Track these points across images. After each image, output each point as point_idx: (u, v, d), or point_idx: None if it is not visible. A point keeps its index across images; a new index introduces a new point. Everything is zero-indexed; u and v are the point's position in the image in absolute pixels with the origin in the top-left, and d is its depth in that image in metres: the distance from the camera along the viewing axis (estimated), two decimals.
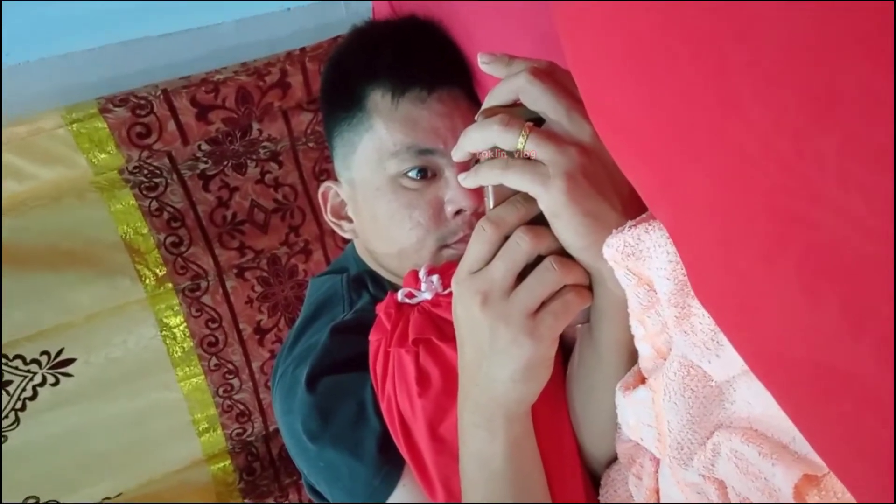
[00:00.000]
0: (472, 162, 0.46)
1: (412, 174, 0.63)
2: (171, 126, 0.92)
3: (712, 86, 0.26)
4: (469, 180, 0.45)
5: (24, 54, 0.89)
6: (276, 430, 1.12)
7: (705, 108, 0.27)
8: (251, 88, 0.94)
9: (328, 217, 0.73)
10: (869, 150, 0.21)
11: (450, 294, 0.53)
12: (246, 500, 1.07)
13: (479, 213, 0.62)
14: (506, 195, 0.44)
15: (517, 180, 0.41)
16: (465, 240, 0.63)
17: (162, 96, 0.90)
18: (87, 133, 0.88)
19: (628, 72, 0.32)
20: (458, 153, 0.45)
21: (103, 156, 0.90)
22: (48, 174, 0.89)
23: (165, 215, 0.97)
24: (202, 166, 0.99)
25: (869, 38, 0.20)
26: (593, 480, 0.57)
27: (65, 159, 0.89)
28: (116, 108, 0.89)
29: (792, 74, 0.23)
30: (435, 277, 0.57)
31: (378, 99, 0.64)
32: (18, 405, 0.91)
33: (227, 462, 1.08)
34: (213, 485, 1.07)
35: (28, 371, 0.91)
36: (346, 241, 1.07)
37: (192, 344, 1.00)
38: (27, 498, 0.94)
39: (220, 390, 1.05)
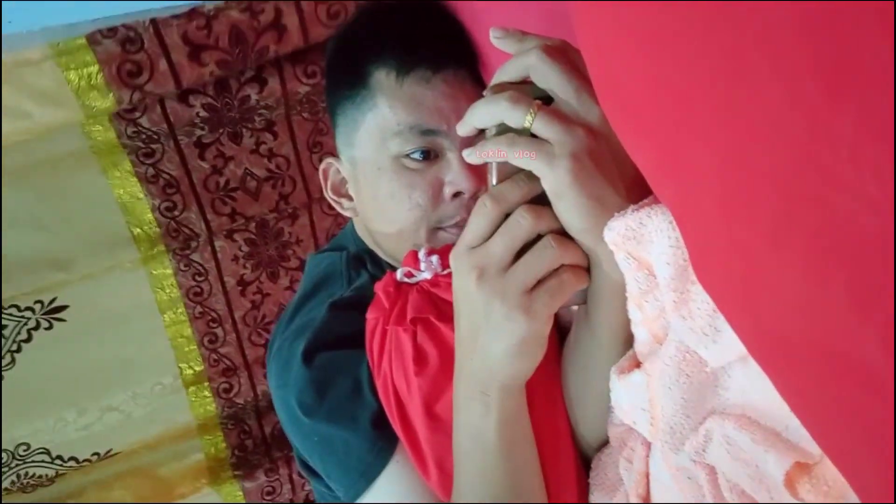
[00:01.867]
0: (477, 139, 0.46)
1: (415, 155, 0.63)
2: (163, 65, 0.89)
3: (725, 61, 0.26)
4: (473, 156, 0.44)
5: (25, 23, 0.88)
6: (269, 407, 1.14)
7: (717, 84, 0.27)
8: (245, 28, 0.91)
9: (328, 194, 0.73)
10: (883, 129, 0.20)
11: (449, 275, 0.53)
12: (237, 474, 1.09)
13: (477, 198, 0.62)
14: (509, 173, 0.44)
15: (522, 158, 0.41)
16: (460, 224, 0.63)
17: (151, 28, 0.86)
18: (76, 68, 0.85)
19: (638, 48, 0.31)
20: (464, 128, 0.45)
21: (93, 93, 0.87)
22: (39, 112, 0.86)
23: (161, 182, 0.99)
24: (199, 133, 0.99)
25: (885, 11, 0.20)
26: (584, 463, 0.57)
27: (54, 97, 0.86)
28: (105, 40, 0.85)
29: (807, 49, 0.22)
30: (434, 258, 0.57)
31: (382, 78, 0.63)
32: (14, 347, 0.96)
33: (219, 437, 1.10)
34: (204, 459, 1.09)
35: (23, 317, 0.95)
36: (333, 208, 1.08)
37: (178, 293, 1.04)
38: (18, 445, 0.98)
39: (206, 340, 1.08)
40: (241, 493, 1.10)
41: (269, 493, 1.13)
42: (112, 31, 0.86)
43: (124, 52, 0.86)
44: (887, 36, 0.20)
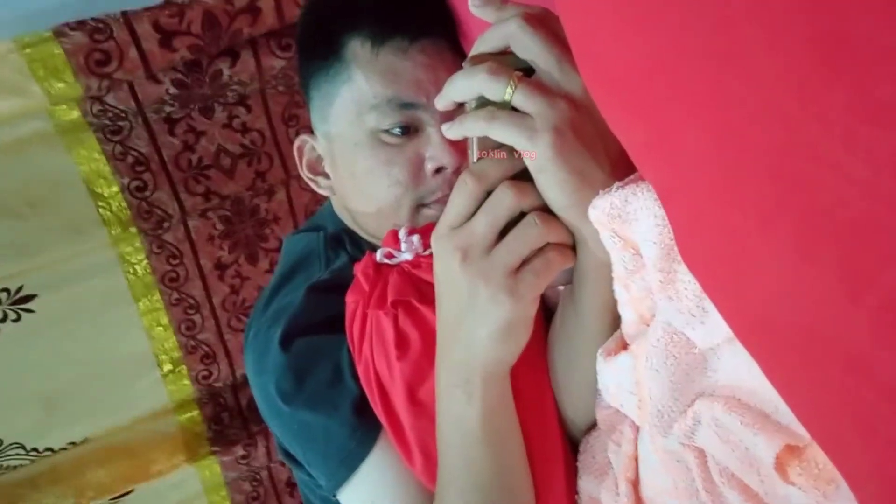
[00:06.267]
0: (456, 113, 0.44)
1: (393, 130, 0.60)
2: (133, 53, 0.87)
3: (713, 35, 0.25)
4: (453, 131, 0.43)
5: None
6: (245, 381, 1.13)
7: (704, 58, 0.26)
8: (218, 13, 0.89)
9: (304, 173, 0.70)
10: (876, 110, 0.20)
11: (430, 255, 0.51)
12: (214, 449, 1.09)
13: (459, 173, 0.60)
14: (491, 148, 0.42)
15: (503, 132, 0.40)
16: (443, 200, 0.62)
17: (122, 20, 0.85)
18: (42, 60, 0.83)
19: (621, 18, 0.30)
20: (442, 101, 0.44)
21: (60, 85, 0.85)
22: (2, 105, 0.85)
23: (130, 159, 0.96)
24: (168, 109, 0.96)
25: None
26: (572, 446, 0.56)
27: (18, 88, 0.84)
28: (73, 32, 0.83)
29: (799, 24, 0.21)
30: (415, 238, 0.55)
31: (357, 48, 0.61)
32: None
33: (196, 412, 1.09)
34: (181, 434, 1.08)
35: None
36: None
37: (153, 280, 1.01)
38: None
39: (183, 327, 1.06)
40: (218, 467, 1.10)
41: (243, 458, 1.13)
42: (81, 24, 0.84)
43: (92, 41, 0.85)
44: (886, 10, 0.18)
